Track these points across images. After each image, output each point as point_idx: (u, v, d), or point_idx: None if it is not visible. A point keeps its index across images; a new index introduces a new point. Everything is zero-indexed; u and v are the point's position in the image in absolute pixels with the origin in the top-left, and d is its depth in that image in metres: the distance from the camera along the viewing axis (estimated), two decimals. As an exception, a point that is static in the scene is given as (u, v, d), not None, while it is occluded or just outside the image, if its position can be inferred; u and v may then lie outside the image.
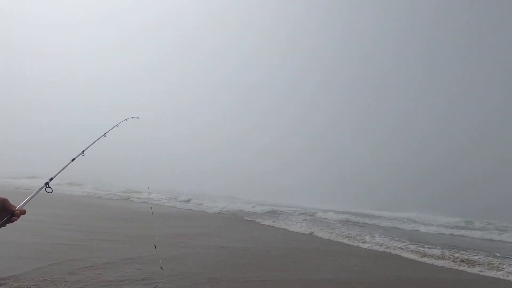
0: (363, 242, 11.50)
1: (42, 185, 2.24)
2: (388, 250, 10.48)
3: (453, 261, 9.09)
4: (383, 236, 13.49)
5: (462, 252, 10.62)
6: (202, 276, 6.13)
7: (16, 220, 1.63)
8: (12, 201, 1.63)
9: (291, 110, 64.39)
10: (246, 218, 17.33)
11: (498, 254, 10.73)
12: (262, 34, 72.83)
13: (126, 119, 4.63)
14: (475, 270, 8.45)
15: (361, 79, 61.60)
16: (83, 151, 3.98)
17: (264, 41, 74.37)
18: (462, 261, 9.10)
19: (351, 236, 12.42)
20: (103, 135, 4.14)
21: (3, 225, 1.57)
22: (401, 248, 10.76)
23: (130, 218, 14.04)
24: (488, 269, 8.49)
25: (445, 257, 9.39)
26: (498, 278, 7.93)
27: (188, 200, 24.04)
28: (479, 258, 9.49)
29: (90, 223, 11.58)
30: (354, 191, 40.92)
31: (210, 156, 56.60)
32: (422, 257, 9.52)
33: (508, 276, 7.99)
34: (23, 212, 1.67)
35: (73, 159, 3.92)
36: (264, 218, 17.38)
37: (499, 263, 8.85)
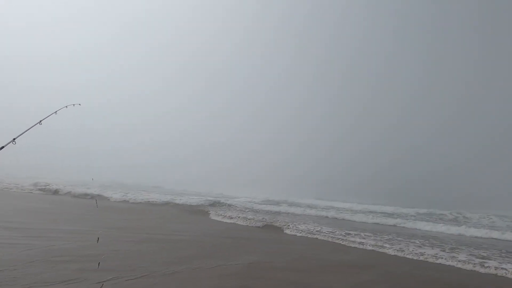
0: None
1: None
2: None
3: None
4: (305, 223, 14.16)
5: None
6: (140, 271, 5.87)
7: None
8: None
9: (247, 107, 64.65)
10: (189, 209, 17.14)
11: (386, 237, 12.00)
12: (247, 30, 71.79)
13: (66, 106, 4.21)
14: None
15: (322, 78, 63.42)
16: (14, 139, 3.59)
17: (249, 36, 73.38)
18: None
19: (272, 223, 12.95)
20: (39, 122, 3.76)
21: None
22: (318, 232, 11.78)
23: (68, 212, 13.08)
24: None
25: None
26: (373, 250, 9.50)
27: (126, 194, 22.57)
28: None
29: (21, 219, 10.58)
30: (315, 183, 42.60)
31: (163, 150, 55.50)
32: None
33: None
34: None
35: (2, 147, 3.57)
36: (209, 210, 17.41)
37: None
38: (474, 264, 8.12)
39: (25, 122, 3.60)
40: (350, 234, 11.76)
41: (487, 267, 7.88)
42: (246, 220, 14.26)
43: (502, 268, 7.74)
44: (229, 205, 20.55)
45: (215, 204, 20.63)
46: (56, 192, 21.46)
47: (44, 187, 22.26)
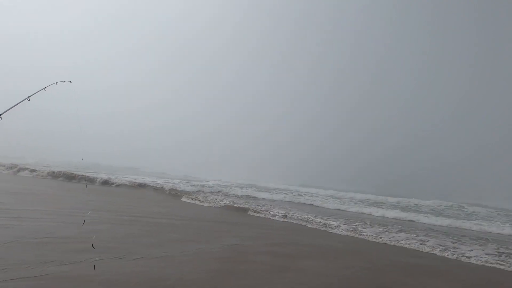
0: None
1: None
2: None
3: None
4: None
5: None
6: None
7: None
8: None
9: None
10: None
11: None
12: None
13: (56, 83, 4.04)
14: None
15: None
16: (0, 114, 3.50)
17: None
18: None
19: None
20: (27, 98, 3.65)
21: None
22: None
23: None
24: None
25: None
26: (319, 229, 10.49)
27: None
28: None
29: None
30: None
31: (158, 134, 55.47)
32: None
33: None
34: None
35: None
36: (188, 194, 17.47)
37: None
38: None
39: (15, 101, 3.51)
40: (326, 220, 12.08)
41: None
42: (220, 203, 14.53)
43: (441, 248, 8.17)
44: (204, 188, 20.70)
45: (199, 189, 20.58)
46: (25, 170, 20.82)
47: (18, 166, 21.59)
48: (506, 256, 8.29)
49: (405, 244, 9.05)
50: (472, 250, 8.67)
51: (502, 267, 7.44)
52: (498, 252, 8.82)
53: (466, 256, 8.04)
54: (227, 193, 20.08)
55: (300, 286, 5.09)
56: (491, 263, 7.65)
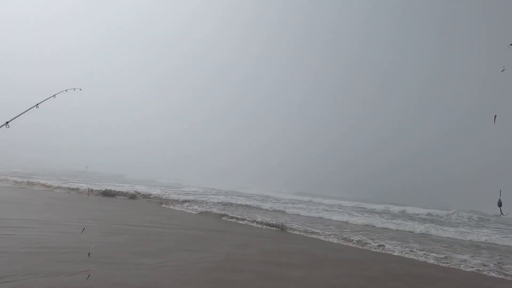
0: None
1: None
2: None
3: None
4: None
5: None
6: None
7: None
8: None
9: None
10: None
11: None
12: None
13: (66, 90, 4.09)
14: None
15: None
16: (7, 122, 3.55)
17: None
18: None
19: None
20: (35, 105, 3.71)
21: None
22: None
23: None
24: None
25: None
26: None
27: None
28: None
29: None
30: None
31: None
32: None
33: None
34: None
35: None
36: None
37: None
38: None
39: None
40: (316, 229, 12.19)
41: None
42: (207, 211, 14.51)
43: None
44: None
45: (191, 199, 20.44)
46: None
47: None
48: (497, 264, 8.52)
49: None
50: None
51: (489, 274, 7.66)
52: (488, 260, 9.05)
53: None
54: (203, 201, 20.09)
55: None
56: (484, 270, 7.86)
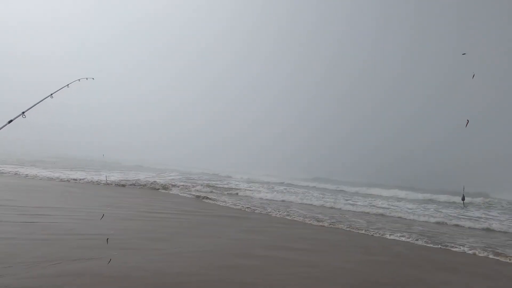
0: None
1: None
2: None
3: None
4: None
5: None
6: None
7: None
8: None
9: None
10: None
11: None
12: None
13: (79, 80, 4.12)
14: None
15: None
16: (23, 112, 3.58)
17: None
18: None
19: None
20: (50, 95, 3.74)
21: None
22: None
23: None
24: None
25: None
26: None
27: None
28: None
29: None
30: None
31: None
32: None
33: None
34: None
35: (10, 121, 3.57)
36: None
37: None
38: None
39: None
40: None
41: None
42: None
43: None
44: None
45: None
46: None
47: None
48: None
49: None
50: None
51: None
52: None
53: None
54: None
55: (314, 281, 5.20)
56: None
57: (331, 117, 55.60)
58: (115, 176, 21.30)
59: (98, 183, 17.63)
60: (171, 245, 6.53)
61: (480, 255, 7.83)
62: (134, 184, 18.28)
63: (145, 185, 18.28)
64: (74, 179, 17.92)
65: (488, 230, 11.69)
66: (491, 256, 7.73)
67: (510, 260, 7.51)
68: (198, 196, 15.48)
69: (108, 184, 17.43)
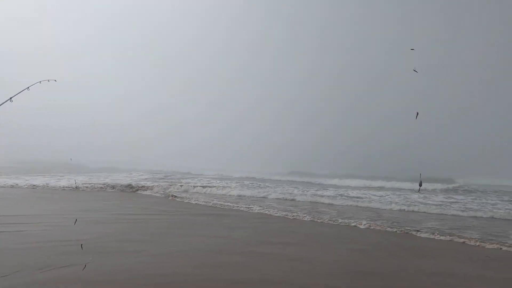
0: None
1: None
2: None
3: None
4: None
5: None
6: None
7: None
8: None
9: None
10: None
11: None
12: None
13: (40, 82, 3.83)
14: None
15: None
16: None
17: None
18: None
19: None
20: (9, 99, 3.47)
21: None
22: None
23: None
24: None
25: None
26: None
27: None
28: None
29: None
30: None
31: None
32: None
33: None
34: None
35: None
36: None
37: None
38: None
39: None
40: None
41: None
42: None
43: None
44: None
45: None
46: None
47: None
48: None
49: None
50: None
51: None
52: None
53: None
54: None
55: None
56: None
57: (309, 117, 55.92)
58: (84, 179, 20.43)
59: (67, 187, 16.88)
60: (149, 247, 6.39)
61: (445, 239, 8.20)
62: (104, 187, 17.65)
63: (114, 186, 17.71)
64: (43, 185, 17.05)
65: (453, 215, 12.23)
66: (456, 240, 8.11)
67: (470, 242, 7.93)
68: (173, 196, 15.20)
69: (77, 188, 16.72)
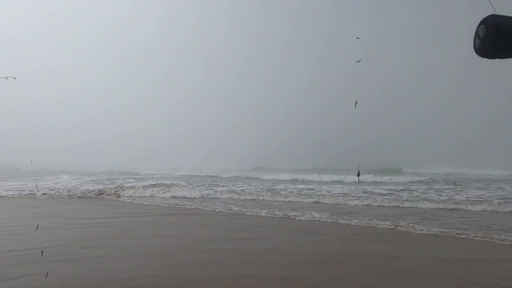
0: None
1: None
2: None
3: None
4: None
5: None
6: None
7: None
8: None
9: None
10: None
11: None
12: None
13: None
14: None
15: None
16: None
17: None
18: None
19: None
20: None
21: None
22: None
23: None
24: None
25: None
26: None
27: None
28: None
29: None
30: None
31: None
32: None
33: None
34: None
35: None
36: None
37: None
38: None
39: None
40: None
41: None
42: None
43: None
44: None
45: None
46: None
47: None
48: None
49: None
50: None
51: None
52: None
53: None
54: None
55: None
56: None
57: (283, 113, 56.43)
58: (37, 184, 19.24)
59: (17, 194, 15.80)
60: (112, 251, 6.27)
61: (389, 227, 8.72)
62: (58, 191, 16.79)
63: (71, 190, 16.94)
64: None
65: (397, 206, 12.70)
66: (399, 228, 8.57)
67: (407, 229, 8.41)
68: (130, 197, 14.85)
69: (31, 193, 15.79)
